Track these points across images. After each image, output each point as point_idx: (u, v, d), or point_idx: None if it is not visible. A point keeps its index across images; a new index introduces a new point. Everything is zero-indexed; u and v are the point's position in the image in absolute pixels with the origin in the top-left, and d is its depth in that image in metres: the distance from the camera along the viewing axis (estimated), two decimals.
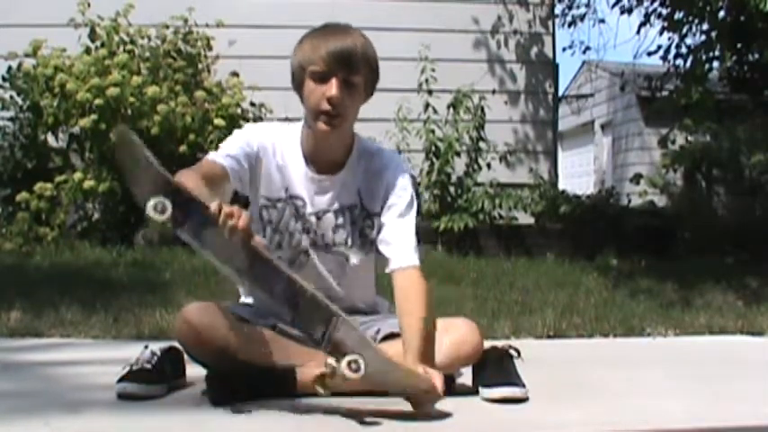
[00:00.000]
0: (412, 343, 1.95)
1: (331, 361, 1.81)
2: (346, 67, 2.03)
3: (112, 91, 4.90)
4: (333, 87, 2.02)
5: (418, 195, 2.27)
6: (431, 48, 5.87)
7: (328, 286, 2.18)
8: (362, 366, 1.79)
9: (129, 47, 5.33)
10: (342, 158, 2.17)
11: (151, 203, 1.76)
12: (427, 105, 5.85)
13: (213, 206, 1.78)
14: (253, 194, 2.18)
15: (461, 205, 5.74)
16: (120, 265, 4.43)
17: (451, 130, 5.85)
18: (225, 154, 2.11)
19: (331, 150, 2.16)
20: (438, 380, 1.87)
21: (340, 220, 2.17)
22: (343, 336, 1.83)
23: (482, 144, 5.91)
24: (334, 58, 2.02)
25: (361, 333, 1.91)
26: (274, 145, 2.16)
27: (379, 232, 2.17)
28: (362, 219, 2.18)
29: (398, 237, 2.13)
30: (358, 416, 1.87)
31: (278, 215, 2.17)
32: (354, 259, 2.19)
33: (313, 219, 2.17)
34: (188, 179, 1.94)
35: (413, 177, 2.27)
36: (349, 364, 1.79)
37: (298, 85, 2.11)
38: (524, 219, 5.97)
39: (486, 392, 2.06)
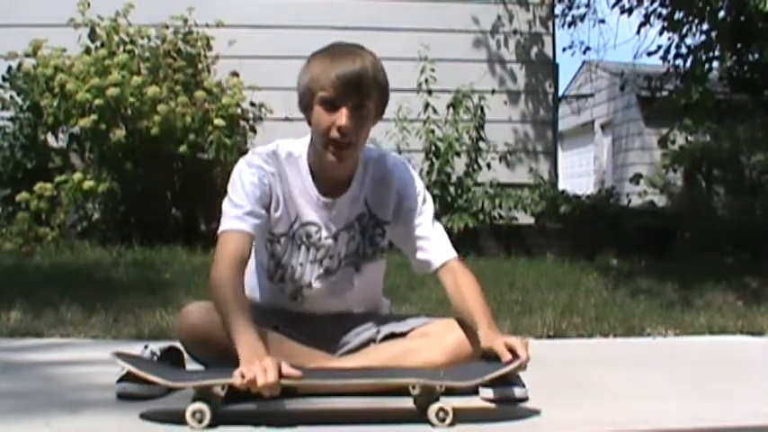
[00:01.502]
0: (483, 320, 2.03)
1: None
2: (357, 93, 1.96)
3: (112, 91, 4.90)
4: (343, 117, 1.96)
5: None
6: (430, 48, 5.87)
7: (330, 306, 2.19)
8: (450, 415, 1.79)
9: (129, 47, 5.33)
10: (350, 175, 2.14)
11: (188, 413, 1.74)
12: (427, 105, 5.85)
13: (237, 381, 1.75)
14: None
15: (461, 205, 5.74)
16: (120, 265, 4.43)
17: (451, 130, 5.85)
18: (244, 213, 2.01)
19: (342, 174, 2.12)
20: (520, 348, 1.92)
21: (351, 232, 2.16)
22: None
23: (482, 144, 5.91)
24: (344, 85, 1.95)
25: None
26: (281, 174, 2.10)
27: (405, 237, 2.17)
28: (372, 227, 2.17)
29: (429, 238, 2.16)
30: (360, 416, 1.87)
31: (281, 250, 2.14)
32: (365, 267, 2.19)
33: (330, 241, 2.14)
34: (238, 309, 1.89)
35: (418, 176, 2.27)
36: (437, 413, 1.79)
37: (305, 108, 2.04)
38: (524, 219, 5.97)
39: (486, 392, 2.06)
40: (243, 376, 1.74)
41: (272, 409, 1.91)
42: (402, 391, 1.88)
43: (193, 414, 1.74)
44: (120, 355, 1.89)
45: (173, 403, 1.94)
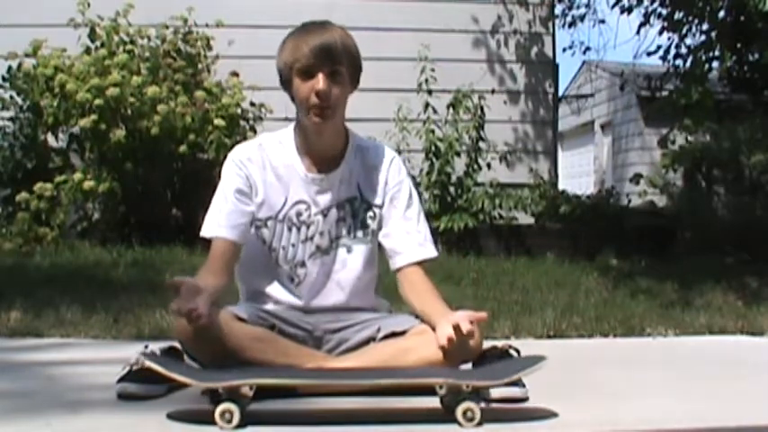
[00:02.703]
0: (436, 306, 2.12)
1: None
2: (329, 60, 2.09)
3: (112, 91, 4.90)
4: (320, 81, 2.09)
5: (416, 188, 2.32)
6: (430, 48, 5.87)
7: (326, 292, 2.22)
8: (477, 414, 1.79)
9: (128, 47, 5.33)
10: (338, 153, 2.22)
11: (218, 413, 1.74)
12: (427, 105, 5.85)
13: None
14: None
15: (461, 205, 5.74)
16: (120, 265, 4.43)
17: (451, 130, 5.85)
18: (227, 213, 2.15)
19: (326, 144, 2.20)
20: (463, 322, 1.95)
21: (342, 213, 2.22)
22: None
23: (482, 144, 5.91)
24: (316, 54, 2.08)
25: None
26: (263, 158, 2.20)
27: (381, 225, 2.24)
28: (363, 210, 2.23)
29: (405, 232, 2.23)
30: (359, 416, 1.87)
31: (269, 233, 2.20)
32: (357, 250, 2.23)
33: (320, 218, 2.20)
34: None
35: (410, 175, 2.35)
36: (465, 412, 1.79)
37: (286, 85, 2.17)
38: (524, 219, 5.97)
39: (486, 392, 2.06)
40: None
41: (284, 408, 1.91)
42: (402, 391, 1.87)
43: (222, 414, 1.74)
44: (146, 356, 1.90)
45: (172, 403, 1.94)
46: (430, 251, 2.24)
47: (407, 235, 2.23)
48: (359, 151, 2.25)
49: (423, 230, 2.26)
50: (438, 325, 2.02)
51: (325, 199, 2.20)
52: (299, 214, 2.19)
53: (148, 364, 1.86)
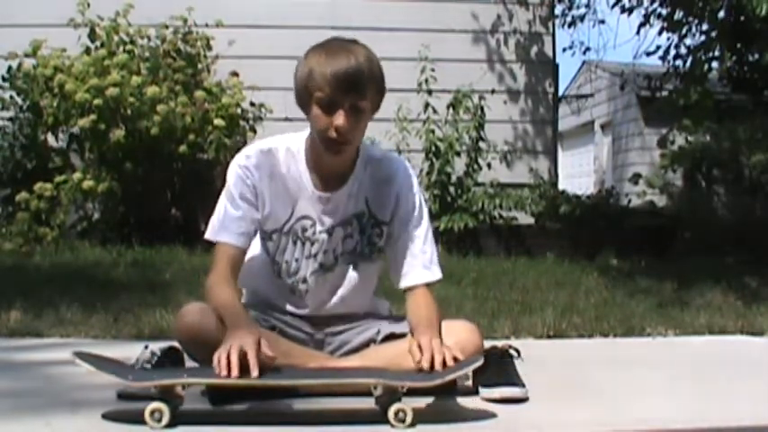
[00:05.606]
0: (426, 330, 2.02)
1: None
2: (353, 93, 1.96)
3: (112, 91, 4.90)
4: (341, 117, 1.96)
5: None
6: (430, 48, 5.87)
7: (328, 306, 2.20)
8: (409, 415, 1.77)
9: (128, 47, 5.33)
10: (347, 169, 2.14)
11: (147, 412, 1.73)
12: (427, 105, 5.85)
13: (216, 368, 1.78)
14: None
15: (461, 205, 5.74)
16: (120, 265, 4.43)
17: (451, 130, 5.86)
18: (234, 219, 2.08)
19: (337, 166, 2.12)
20: (426, 350, 1.91)
21: (349, 230, 2.16)
22: None
23: (482, 144, 5.91)
24: (340, 86, 1.95)
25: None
26: (271, 167, 2.11)
27: (388, 241, 2.18)
28: (371, 226, 2.16)
29: (412, 252, 2.15)
30: (357, 416, 1.87)
31: (273, 246, 2.16)
32: (362, 266, 2.19)
33: (324, 236, 2.14)
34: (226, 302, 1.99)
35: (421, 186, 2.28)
36: (396, 413, 1.78)
37: (303, 105, 2.05)
38: (524, 219, 5.97)
39: (486, 392, 2.06)
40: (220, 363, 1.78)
41: (284, 408, 1.91)
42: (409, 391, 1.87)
43: (152, 413, 1.73)
44: (80, 355, 1.87)
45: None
46: (434, 274, 2.17)
47: (413, 256, 2.15)
48: (369, 163, 2.15)
49: (429, 251, 2.17)
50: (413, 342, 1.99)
51: (331, 218, 2.13)
52: (304, 229, 2.13)
53: (78, 362, 1.84)
